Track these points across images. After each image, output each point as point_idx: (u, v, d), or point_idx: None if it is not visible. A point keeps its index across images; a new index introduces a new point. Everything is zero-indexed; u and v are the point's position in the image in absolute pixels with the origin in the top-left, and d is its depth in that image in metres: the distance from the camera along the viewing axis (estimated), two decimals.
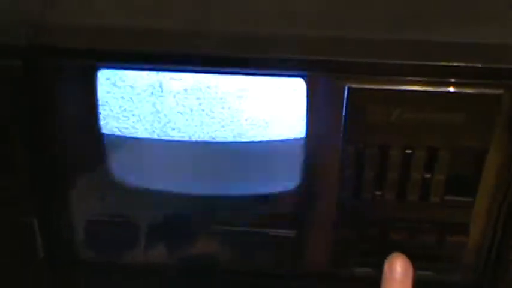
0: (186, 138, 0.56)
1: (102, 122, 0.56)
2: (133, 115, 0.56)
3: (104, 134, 0.57)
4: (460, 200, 0.56)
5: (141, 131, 0.56)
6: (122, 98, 0.55)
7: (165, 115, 0.56)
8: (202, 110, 0.55)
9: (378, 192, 0.56)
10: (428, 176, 0.55)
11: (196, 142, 0.56)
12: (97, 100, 0.55)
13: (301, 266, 0.63)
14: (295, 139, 0.56)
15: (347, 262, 0.61)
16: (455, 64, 0.52)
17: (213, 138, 0.56)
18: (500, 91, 0.52)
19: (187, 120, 0.56)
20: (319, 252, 0.61)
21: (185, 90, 0.55)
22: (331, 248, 0.60)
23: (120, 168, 0.59)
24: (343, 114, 0.53)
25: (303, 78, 0.53)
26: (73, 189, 0.60)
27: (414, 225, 0.58)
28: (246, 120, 0.55)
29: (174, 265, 0.63)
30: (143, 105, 0.55)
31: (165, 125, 0.56)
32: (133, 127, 0.56)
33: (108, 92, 0.55)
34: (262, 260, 0.62)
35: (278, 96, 0.55)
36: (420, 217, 0.57)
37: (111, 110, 0.56)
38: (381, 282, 0.56)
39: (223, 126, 0.56)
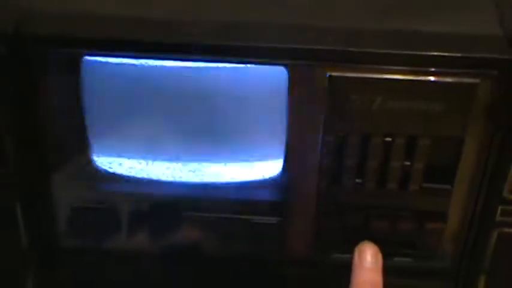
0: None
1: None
2: None
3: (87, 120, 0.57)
4: (439, 187, 0.57)
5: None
6: None
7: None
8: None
9: (358, 180, 0.57)
10: (407, 163, 0.56)
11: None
12: (81, 87, 0.56)
13: (284, 253, 0.63)
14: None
15: (328, 249, 0.62)
16: (434, 53, 0.53)
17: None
18: (477, 80, 0.53)
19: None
20: (302, 239, 0.62)
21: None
22: (313, 235, 0.61)
23: (103, 154, 0.59)
24: (324, 102, 0.54)
25: (285, 67, 0.54)
26: (56, 175, 0.60)
27: (393, 212, 0.59)
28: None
29: (157, 252, 0.64)
30: None
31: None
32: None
33: None
34: (245, 247, 0.63)
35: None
36: (399, 204, 0.58)
37: None
38: (352, 270, 0.57)
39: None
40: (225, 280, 0.66)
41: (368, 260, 0.57)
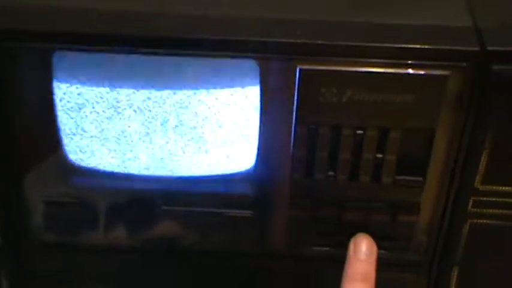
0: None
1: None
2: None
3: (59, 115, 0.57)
4: (411, 179, 0.58)
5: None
6: None
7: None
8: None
9: (330, 173, 0.58)
10: (379, 156, 0.56)
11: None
12: (53, 83, 0.56)
13: (261, 246, 0.63)
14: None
15: (304, 242, 0.62)
16: (404, 46, 0.53)
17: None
18: (447, 72, 0.53)
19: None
20: (277, 232, 0.62)
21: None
22: (288, 228, 0.61)
23: (77, 149, 0.59)
24: (295, 95, 0.54)
25: (256, 60, 0.54)
26: (29, 171, 0.60)
27: (366, 205, 0.59)
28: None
29: (134, 246, 0.64)
30: None
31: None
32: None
33: None
34: (222, 241, 0.63)
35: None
36: (372, 197, 0.59)
37: None
38: (346, 262, 0.58)
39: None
40: (204, 274, 0.66)
41: (363, 251, 0.57)
